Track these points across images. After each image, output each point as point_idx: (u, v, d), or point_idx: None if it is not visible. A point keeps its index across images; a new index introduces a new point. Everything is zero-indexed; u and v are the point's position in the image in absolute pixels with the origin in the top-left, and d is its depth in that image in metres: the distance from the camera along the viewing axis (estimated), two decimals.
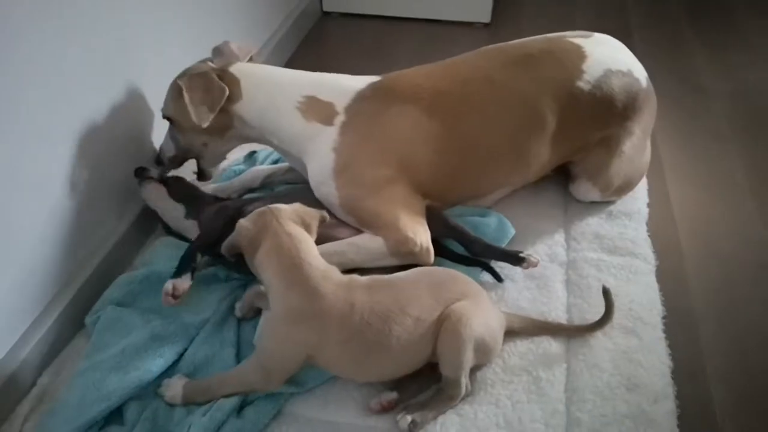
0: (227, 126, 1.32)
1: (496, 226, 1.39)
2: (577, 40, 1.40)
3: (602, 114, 1.38)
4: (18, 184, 1.09)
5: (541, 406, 1.08)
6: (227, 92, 1.24)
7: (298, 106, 1.28)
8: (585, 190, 1.47)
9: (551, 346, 1.17)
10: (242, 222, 1.07)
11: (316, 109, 1.28)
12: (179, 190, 1.37)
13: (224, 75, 1.28)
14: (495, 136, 1.33)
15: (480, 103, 1.31)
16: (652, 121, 1.47)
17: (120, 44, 1.32)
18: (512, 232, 1.39)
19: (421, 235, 1.25)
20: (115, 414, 1.07)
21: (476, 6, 2.39)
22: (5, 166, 1.06)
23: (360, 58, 2.23)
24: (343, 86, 1.31)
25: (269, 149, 1.69)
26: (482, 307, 1.08)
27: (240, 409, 1.05)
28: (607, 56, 1.38)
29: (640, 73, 1.42)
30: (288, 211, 1.08)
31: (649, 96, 1.44)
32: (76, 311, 1.23)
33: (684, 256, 1.41)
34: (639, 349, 1.17)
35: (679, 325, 1.23)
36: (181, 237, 1.36)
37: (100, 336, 1.17)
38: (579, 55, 1.37)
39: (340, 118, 1.27)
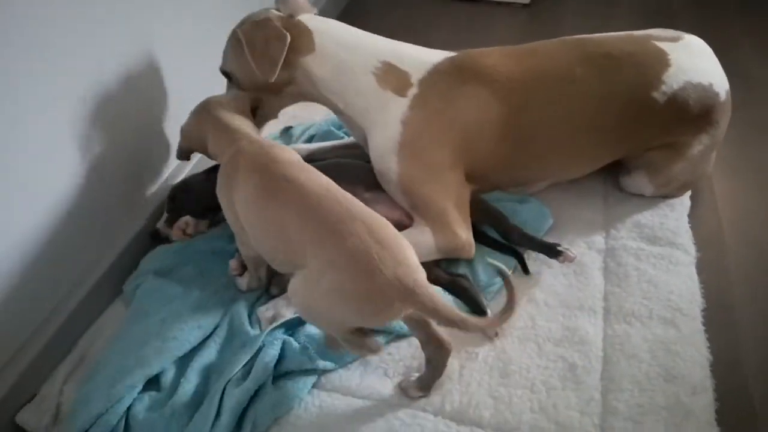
0: (288, 81, 1.25)
1: (534, 213, 1.37)
2: (664, 45, 1.33)
3: (672, 124, 1.33)
4: (57, 151, 1.10)
5: (576, 393, 1.07)
6: (288, 39, 1.17)
7: (375, 71, 1.24)
8: (641, 184, 1.42)
9: (588, 334, 1.16)
10: (183, 126, 1.21)
11: (392, 77, 1.24)
12: (195, 207, 1.31)
13: (291, 24, 1.21)
14: (557, 131, 1.29)
15: (550, 96, 1.27)
16: (724, 131, 1.41)
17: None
18: (550, 220, 1.37)
19: (465, 230, 1.24)
20: (153, 381, 1.08)
21: None
22: (42, 131, 1.06)
23: (396, 36, 2.17)
24: (421, 57, 1.28)
25: (305, 124, 1.69)
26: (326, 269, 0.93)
27: (276, 382, 1.07)
28: (690, 66, 1.32)
29: (721, 86, 1.35)
30: (219, 102, 1.19)
31: (726, 109, 1.38)
32: (115, 278, 1.25)
33: (726, 248, 1.37)
34: (678, 340, 1.15)
35: (718, 318, 1.21)
36: None
37: (141, 304, 1.19)
38: (662, 62, 1.31)
39: (413, 90, 1.24)
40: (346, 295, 0.92)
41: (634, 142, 1.36)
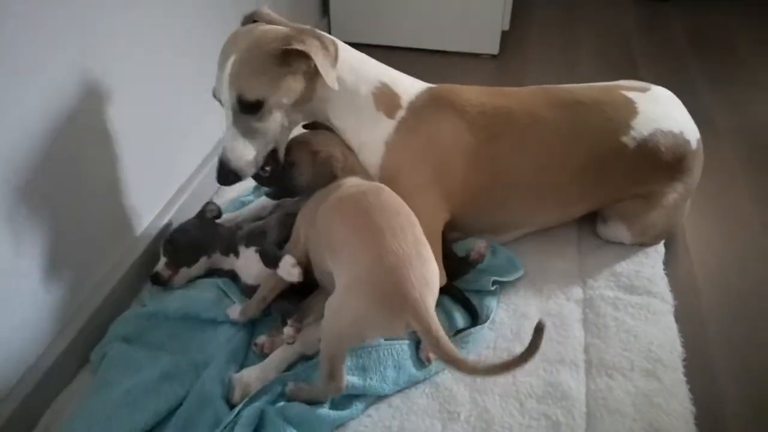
0: (308, 98, 1.21)
1: (504, 263, 1.37)
2: (632, 94, 1.38)
3: (645, 171, 1.37)
4: (19, 215, 1.06)
5: None
6: (339, 46, 1.20)
7: (374, 92, 1.27)
8: (618, 232, 1.44)
9: (571, 389, 1.14)
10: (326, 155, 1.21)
11: (387, 98, 1.28)
12: (188, 255, 1.31)
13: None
14: (525, 168, 1.32)
15: (519, 133, 1.31)
16: (697, 179, 1.45)
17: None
18: (521, 270, 1.37)
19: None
20: None
21: (484, 38, 2.40)
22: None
23: None
24: (407, 83, 1.32)
25: None
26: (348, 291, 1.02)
27: None
28: (659, 115, 1.36)
29: (691, 134, 1.39)
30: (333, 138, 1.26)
31: (698, 157, 1.41)
32: (81, 347, 1.20)
33: (701, 294, 1.38)
34: (660, 392, 1.14)
35: (699, 366, 1.20)
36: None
37: (107, 373, 1.14)
38: (630, 110, 1.35)
39: (401, 113, 1.28)
40: (370, 294, 0.98)
41: (607, 190, 1.38)
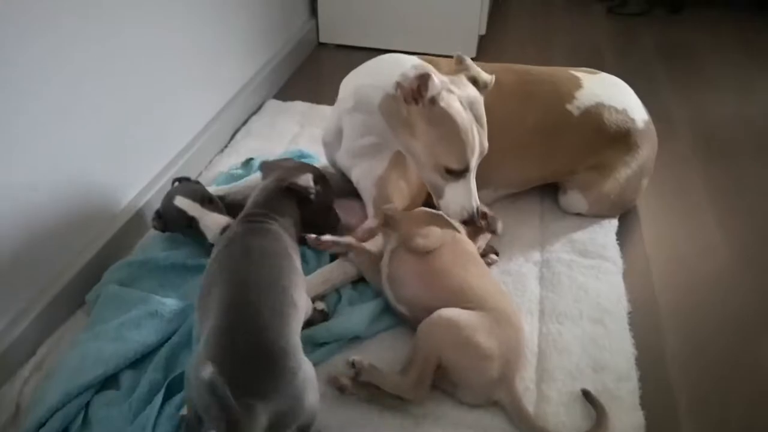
0: None
1: None
2: (579, 73, 1.54)
3: (593, 141, 1.50)
4: (26, 168, 1.17)
5: None
6: None
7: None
8: (575, 201, 1.57)
9: (524, 332, 1.25)
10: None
11: None
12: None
13: None
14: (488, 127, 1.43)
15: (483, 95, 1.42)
16: (651, 161, 1.58)
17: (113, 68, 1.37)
18: None
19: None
20: (112, 380, 1.12)
21: (462, 41, 2.55)
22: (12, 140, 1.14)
23: None
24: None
25: (265, 156, 1.78)
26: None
27: None
28: (603, 92, 1.51)
29: (637, 114, 1.53)
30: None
31: (646, 137, 1.54)
32: (77, 289, 1.30)
33: (650, 260, 1.50)
34: (605, 336, 1.26)
35: (642, 319, 1.32)
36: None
37: (101, 311, 1.24)
38: (576, 84, 1.51)
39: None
40: (505, 345, 1.09)
41: (563, 157, 1.52)
